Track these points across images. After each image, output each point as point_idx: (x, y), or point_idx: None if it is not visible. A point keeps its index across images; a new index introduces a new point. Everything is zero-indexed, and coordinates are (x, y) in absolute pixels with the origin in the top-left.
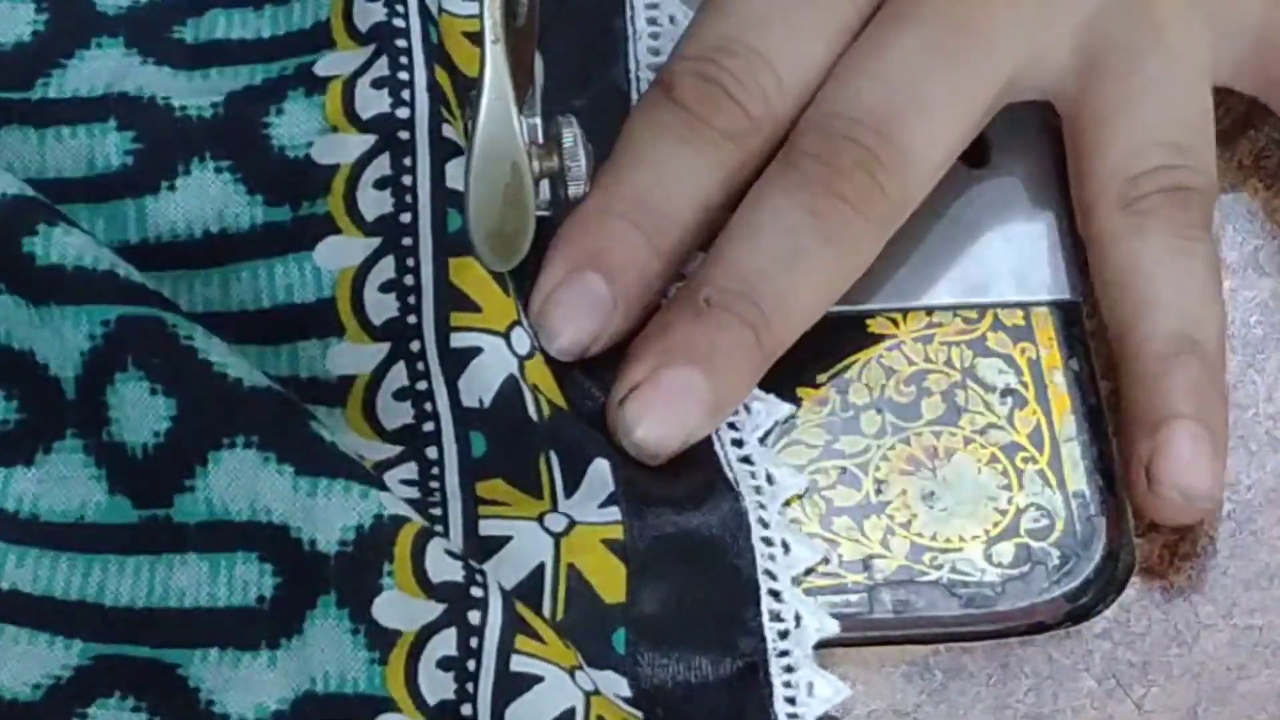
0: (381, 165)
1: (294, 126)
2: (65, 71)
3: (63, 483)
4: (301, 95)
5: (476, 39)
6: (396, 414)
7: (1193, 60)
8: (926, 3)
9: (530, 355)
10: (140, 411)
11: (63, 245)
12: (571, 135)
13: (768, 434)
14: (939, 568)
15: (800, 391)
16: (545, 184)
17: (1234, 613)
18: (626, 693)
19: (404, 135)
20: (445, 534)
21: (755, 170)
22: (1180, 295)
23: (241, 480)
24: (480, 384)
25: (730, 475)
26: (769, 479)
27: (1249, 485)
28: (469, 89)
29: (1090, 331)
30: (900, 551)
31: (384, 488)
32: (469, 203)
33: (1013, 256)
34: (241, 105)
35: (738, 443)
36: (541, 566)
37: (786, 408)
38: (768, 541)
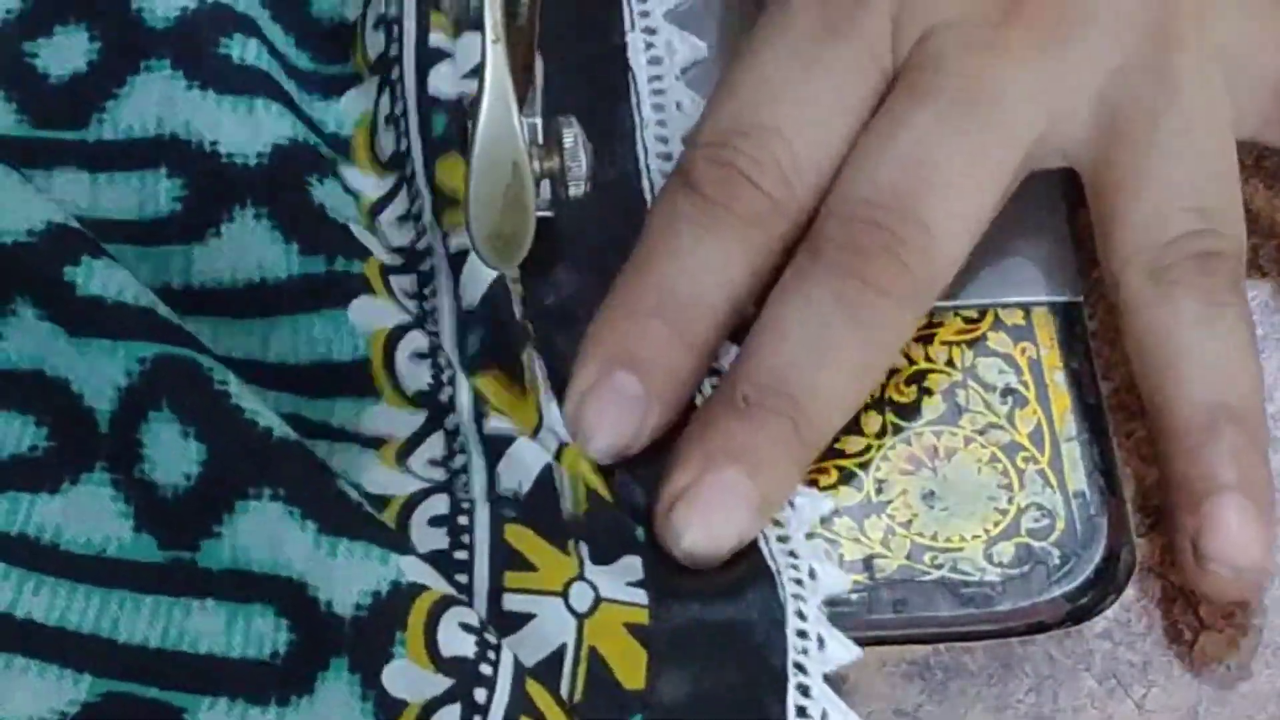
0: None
1: (338, 199)
2: (118, 103)
3: (87, 515)
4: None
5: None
6: (428, 509)
7: (1213, 118)
8: (940, 75)
9: (568, 442)
10: (173, 453)
11: (104, 277)
12: (572, 135)
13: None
14: (939, 567)
15: None
16: (545, 184)
17: (1234, 612)
18: None
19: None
20: (469, 592)
21: (780, 253)
22: (1213, 363)
23: (266, 532)
24: (520, 470)
25: (773, 565)
26: (811, 574)
27: None
28: None
29: (1090, 331)
30: (901, 551)
31: (407, 550)
32: (469, 203)
33: (1014, 256)
34: (288, 160)
35: (783, 539)
36: (563, 648)
37: (829, 502)
38: (803, 635)
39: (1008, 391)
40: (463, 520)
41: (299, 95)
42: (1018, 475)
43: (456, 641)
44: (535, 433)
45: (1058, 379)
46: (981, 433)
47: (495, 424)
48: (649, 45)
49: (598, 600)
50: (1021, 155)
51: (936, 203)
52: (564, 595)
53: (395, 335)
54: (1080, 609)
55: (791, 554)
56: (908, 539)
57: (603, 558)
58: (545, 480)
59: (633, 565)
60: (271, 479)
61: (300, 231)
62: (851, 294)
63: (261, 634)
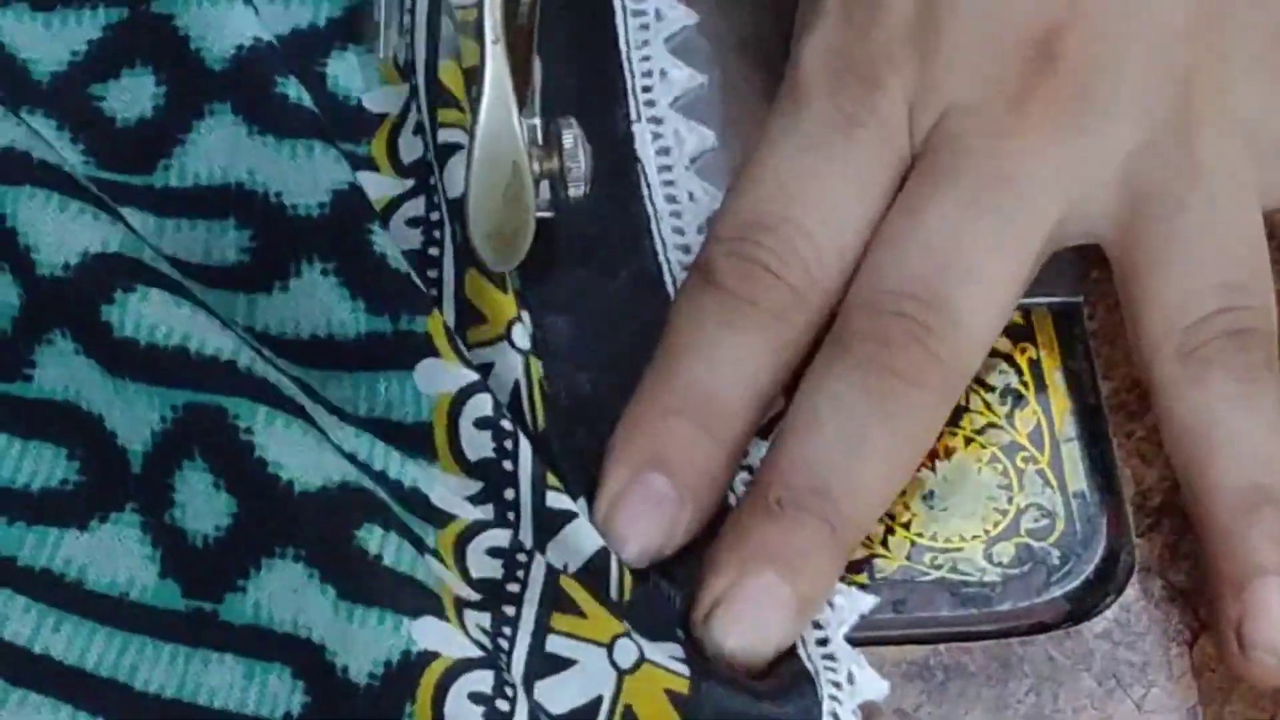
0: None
1: (393, 244)
2: (185, 150)
3: (113, 555)
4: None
5: None
6: (488, 539)
7: (1239, 191)
8: (959, 158)
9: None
10: (205, 503)
11: (138, 316)
12: (571, 136)
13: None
14: (939, 567)
15: None
16: (545, 184)
17: None
18: None
19: None
20: (514, 625)
21: (806, 344)
22: (1249, 443)
23: (289, 592)
24: (570, 550)
25: (810, 668)
26: (850, 678)
27: None
28: None
29: (1090, 332)
30: (901, 551)
31: (424, 612)
32: (469, 202)
33: None
34: (348, 207)
35: (822, 641)
36: (599, 699)
37: (869, 600)
38: None
39: (1007, 392)
40: (521, 557)
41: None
42: (1017, 475)
43: (464, 713)
44: (615, 639)
45: (1057, 379)
46: (981, 433)
47: (556, 500)
48: (656, 135)
49: (641, 660)
50: (1044, 237)
51: (962, 290)
52: (609, 648)
53: (459, 400)
54: (1080, 609)
55: (829, 657)
56: (907, 539)
57: (648, 636)
58: (596, 565)
59: (676, 649)
60: (294, 538)
61: (366, 287)
62: (881, 387)
63: (276, 694)
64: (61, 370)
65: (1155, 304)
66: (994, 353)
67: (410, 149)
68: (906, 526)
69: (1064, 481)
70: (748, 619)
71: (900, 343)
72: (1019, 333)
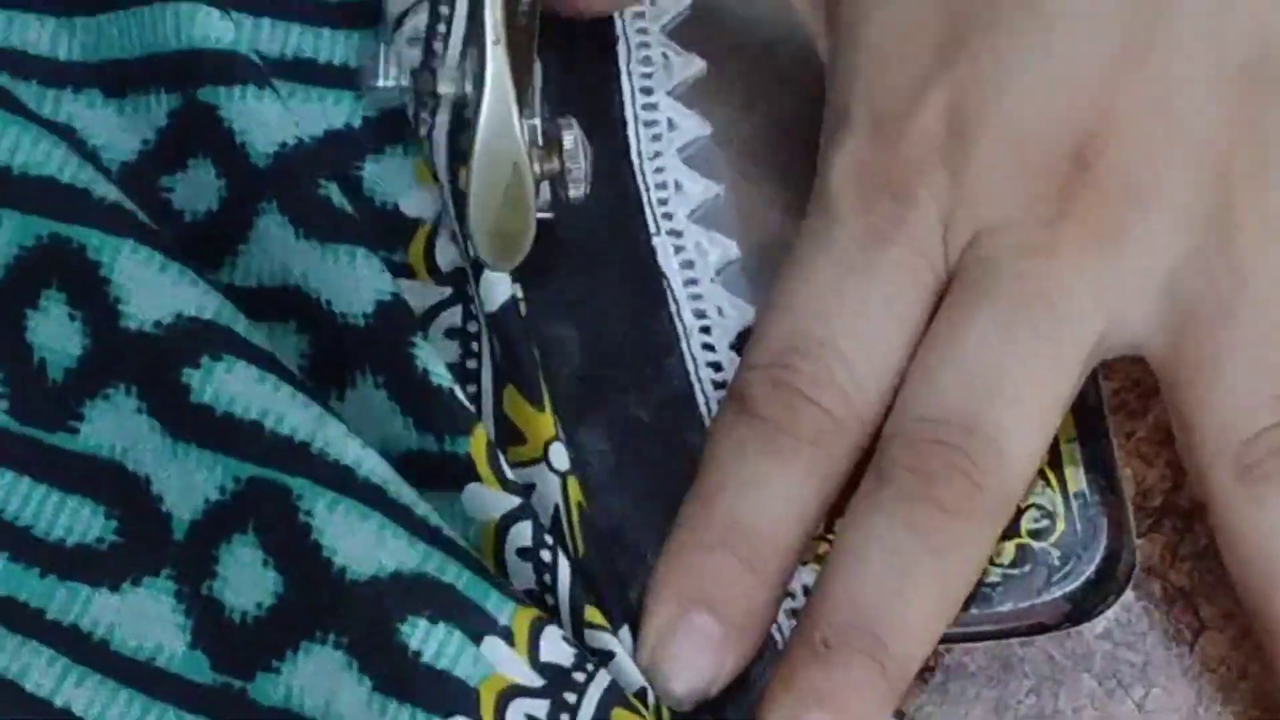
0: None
1: (435, 355)
2: (248, 248)
3: (144, 619)
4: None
5: None
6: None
7: None
8: (994, 280)
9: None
10: (250, 579)
11: (219, 384)
12: (572, 137)
13: None
14: None
15: None
16: (545, 185)
17: (1235, 613)
18: None
19: None
20: None
21: (847, 471)
22: None
23: (324, 679)
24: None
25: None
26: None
27: None
28: None
29: None
30: None
31: (456, 712)
32: (469, 202)
33: None
34: (390, 318)
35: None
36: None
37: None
38: None
39: None
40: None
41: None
42: None
43: None
44: (547, 446)
45: None
46: None
47: (595, 638)
48: (678, 249)
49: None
50: (1086, 356)
51: (1004, 416)
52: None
53: (503, 527)
54: (1080, 609)
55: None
56: None
57: None
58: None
59: None
60: (337, 626)
61: (413, 404)
62: (925, 520)
63: None
64: (114, 427)
65: (1208, 417)
66: None
67: (446, 255)
68: None
69: (1064, 482)
70: None
71: (943, 474)
72: None
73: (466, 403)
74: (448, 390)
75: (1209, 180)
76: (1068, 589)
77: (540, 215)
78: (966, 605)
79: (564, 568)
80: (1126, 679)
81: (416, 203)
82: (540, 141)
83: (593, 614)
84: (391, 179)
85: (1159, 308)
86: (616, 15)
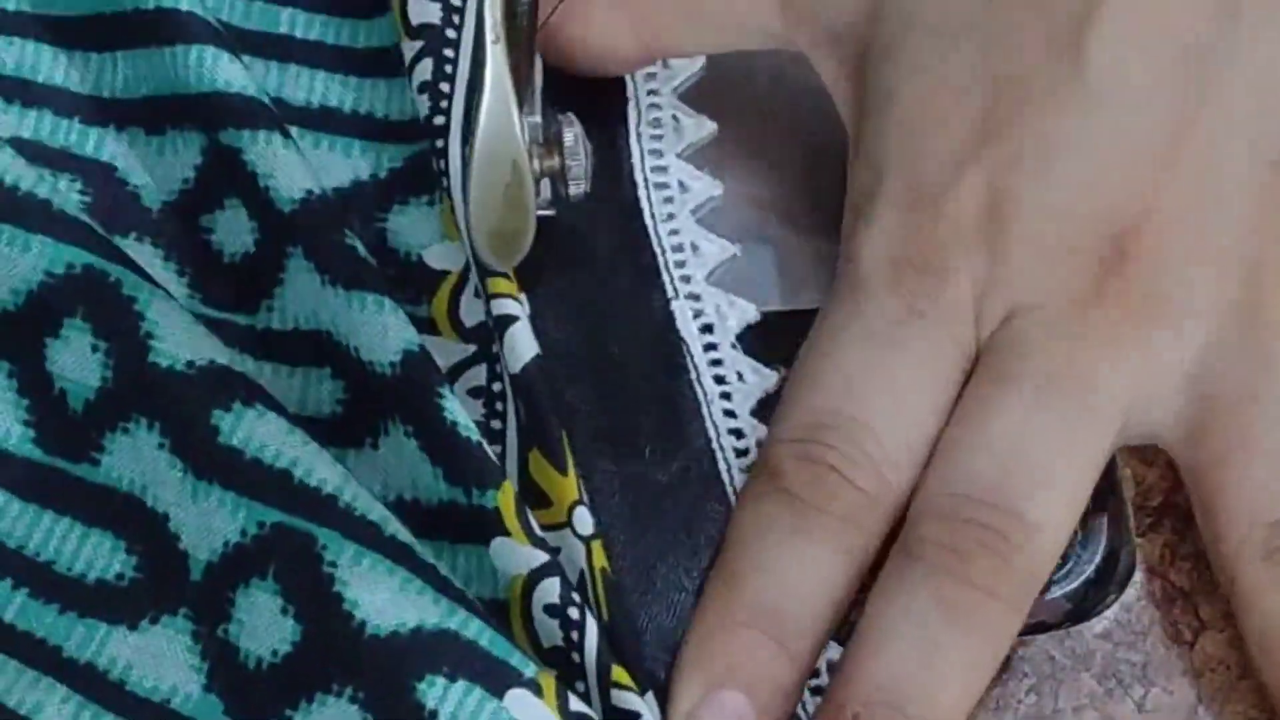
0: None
1: (461, 408)
2: (284, 290)
3: (159, 660)
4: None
5: None
6: None
7: None
8: (1025, 361)
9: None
10: (267, 624)
11: (249, 428)
12: (572, 135)
13: None
14: None
15: None
16: (546, 183)
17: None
18: None
19: None
20: None
21: (877, 548)
22: None
23: None
24: None
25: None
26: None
27: None
28: None
29: None
30: None
31: None
32: (469, 202)
33: None
34: (417, 369)
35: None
36: None
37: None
38: None
39: None
40: None
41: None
42: None
43: None
44: (571, 510)
45: None
46: None
47: (621, 699)
48: (697, 313)
49: None
50: (1112, 439)
51: (1034, 495)
52: None
53: (531, 583)
54: (1080, 609)
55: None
56: None
57: None
58: None
59: None
60: (353, 680)
61: (442, 455)
62: (955, 596)
63: None
64: (133, 461)
65: (1234, 502)
66: None
67: (471, 311)
68: None
69: None
70: None
71: (973, 552)
72: None
73: (493, 456)
74: (476, 443)
75: (1241, 274)
76: (1068, 588)
77: (541, 213)
78: None
79: (591, 626)
80: (1126, 679)
81: (441, 256)
82: (541, 139)
83: (620, 674)
84: (416, 231)
85: (1184, 397)
86: (628, 77)
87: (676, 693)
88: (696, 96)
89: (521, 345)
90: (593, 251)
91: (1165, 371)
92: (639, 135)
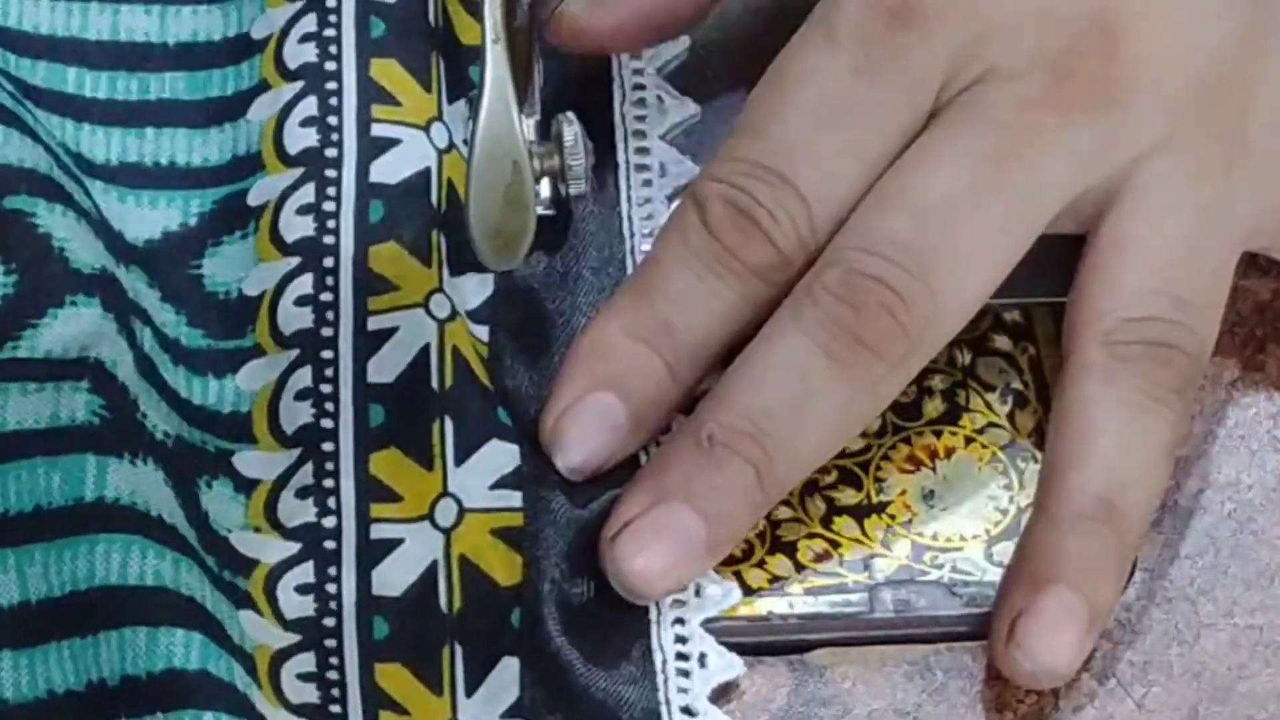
0: (304, 573)
1: (218, 508)
2: (38, 331)
3: None
4: (229, 485)
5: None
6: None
7: (1228, 220)
8: (984, 126)
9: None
10: None
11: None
12: (572, 134)
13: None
14: (940, 567)
15: None
16: (546, 182)
17: (1235, 612)
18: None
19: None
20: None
21: (780, 301)
22: (1121, 458)
23: None
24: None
25: (658, 651)
26: (702, 660)
27: (1249, 485)
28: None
29: None
30: (901, 551)
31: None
32: (469, 202)
33: None
34: (184, 453)
35: (679, 620)
36: (433, 565)
37: (736, 593)
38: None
39: (1008, 391)
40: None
41: (186, 382)
42: (1018, 475)
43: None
44: (433, 504)
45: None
46: (982, 432)
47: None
48: None
49: (462, 513)
50: (1044, 224)
51: (950, 268)
52: (430, 513)
53: (278, 659)
54: None
55: (681, 639)
56: (908, 539)
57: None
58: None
59: (510, 666)
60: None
61: (196, 525)
62: (841, 351)
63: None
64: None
65: (1101, 285)
66: (994, 352)
67: (289, 321)
68: (907, 526)
69: None
70: (652, 547)
71: (871, 310)
72: (1019, 332)
73: (244, 548)
74: (224, 537)
75: (1207, 84)
76: None
77: (541, 212)
78: (968, 605)
79: (354, 689)
80: (1126, 678)
81: (257, 280)
82: (541, 138)
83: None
84: (231, 268)
85: (1116, 185)
86: (613, 56)
87: (561, 386)
88: (681, 77)
89: (400, 355)
90: (569, 233)
91: (1114, 156)
92: (623, 116)
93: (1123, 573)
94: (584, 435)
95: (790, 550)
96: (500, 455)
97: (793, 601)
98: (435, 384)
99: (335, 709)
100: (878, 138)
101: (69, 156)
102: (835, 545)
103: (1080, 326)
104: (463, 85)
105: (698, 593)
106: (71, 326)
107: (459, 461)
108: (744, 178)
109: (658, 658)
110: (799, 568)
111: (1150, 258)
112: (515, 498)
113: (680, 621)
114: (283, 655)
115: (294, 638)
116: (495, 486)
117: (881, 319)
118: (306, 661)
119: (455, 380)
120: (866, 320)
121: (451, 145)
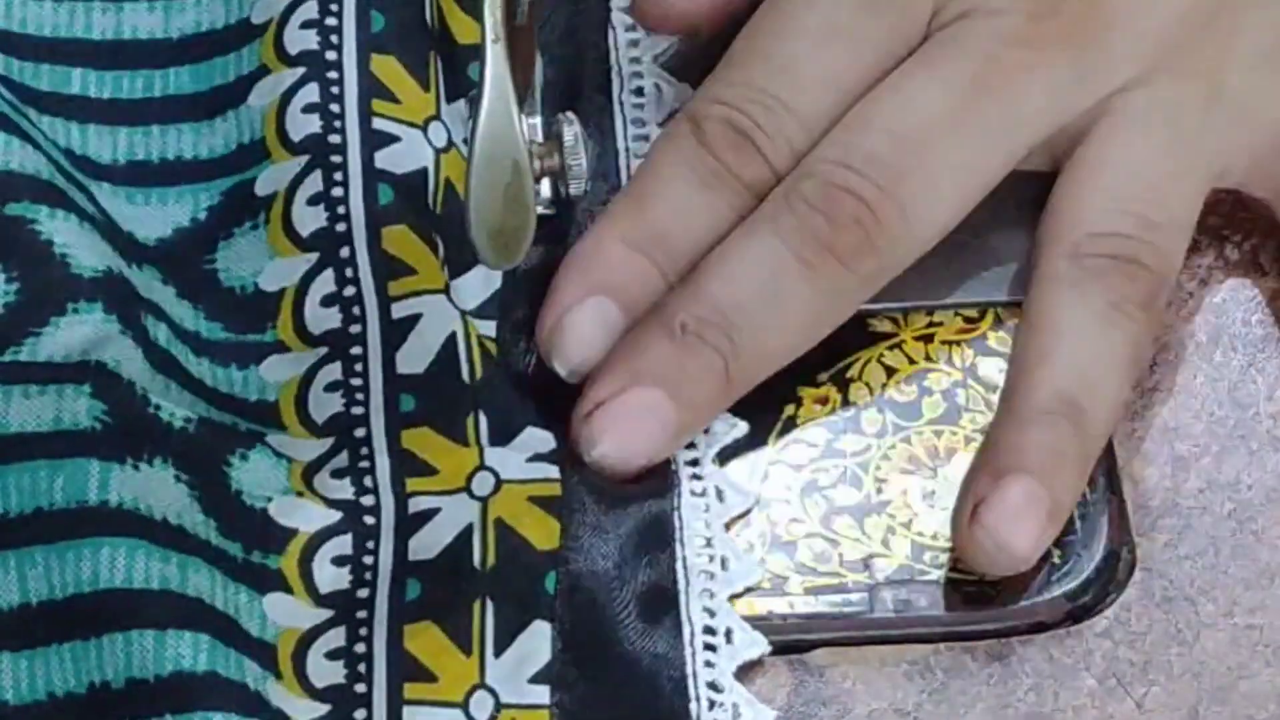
0: (342, 544)
1: (255, 477)
2: (39, 339)
3: None
4: (269, 452)
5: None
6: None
7: (1201, 153)
8: (966, 57)
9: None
10: None
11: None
12: (573, 134)
13: (724, 451)
14: (940, 567)
15: (801, 390)
16: (546, 182)
17: (1235, 612)
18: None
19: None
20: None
21: None
22: (1085, 361)
23: None
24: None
25: (675, 492)
26: (719, 494)
27: (1249, 485)
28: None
29: None
30: (901, 551)
31: None
32: (469, 202)
33: (1014, 256)
34: (208, 433)
35: (693, 461)
36: (469, 527)
37: (742, 426)
38: (707, 550)
39: None
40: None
41: (211, 373)
42: None
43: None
44: (470, 476)
45: None
46: (982, 432)
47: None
48: None
49: (499, 483)
50: (1017, 157)
51: (923, 188)
52: (467, 485)
53: (307, 639)
54: (1080, 608)
55: (697, 477)
56: (908, 538)
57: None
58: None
59: (541, 630)
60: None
61: (220, 514)
62: (814, 258)
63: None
64: None
65: (1073, 201)
66: (994, 352)
67: (317, 321)
68: (907, 525)
69: None
70: (625, 428)
71: (844, 222)
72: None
73: (282, 517)
74: (261, 510)
75: (1190, 30)
76: (1068, 588)
77: (541, 212)
78: (967, 604)
79: (380, 663)
80: (1127, 678)
81: (274, 276)
82: (541, 138)
83: (416, 689)
84: (245, 260)
85: (1089, 119)
86: (612, 46)
87: (558, 290)
88: (678, 66)
89: (427, 344)
90: (569, 223)
91: (1087, 98)
92: (621, 104)
93: (1084, 471)
94: (581, 338)
95: (790, 550)
96: (536, 439)
97: (793, 601)
98: (465, 375)
99: (360, 688)
100: (874, 66)
101: (73, 161)
102: (835, 545)
103: (1049, 241)
104: (460, 85)
105: (724, 566)
106: (73, 333)
107: (495, 444)
108: (742, 100)
109: (686, 630)
110: (799, 568)
111: (1119, 179)
112: (553, 470)
113: (709, 594)
114: (312, 634)
115: (325, 613)
116: (532, 460)
117: (853, 231)
118: (336, 637)
119: (485, 371)
120: (839, 231)
121: (450, 145)
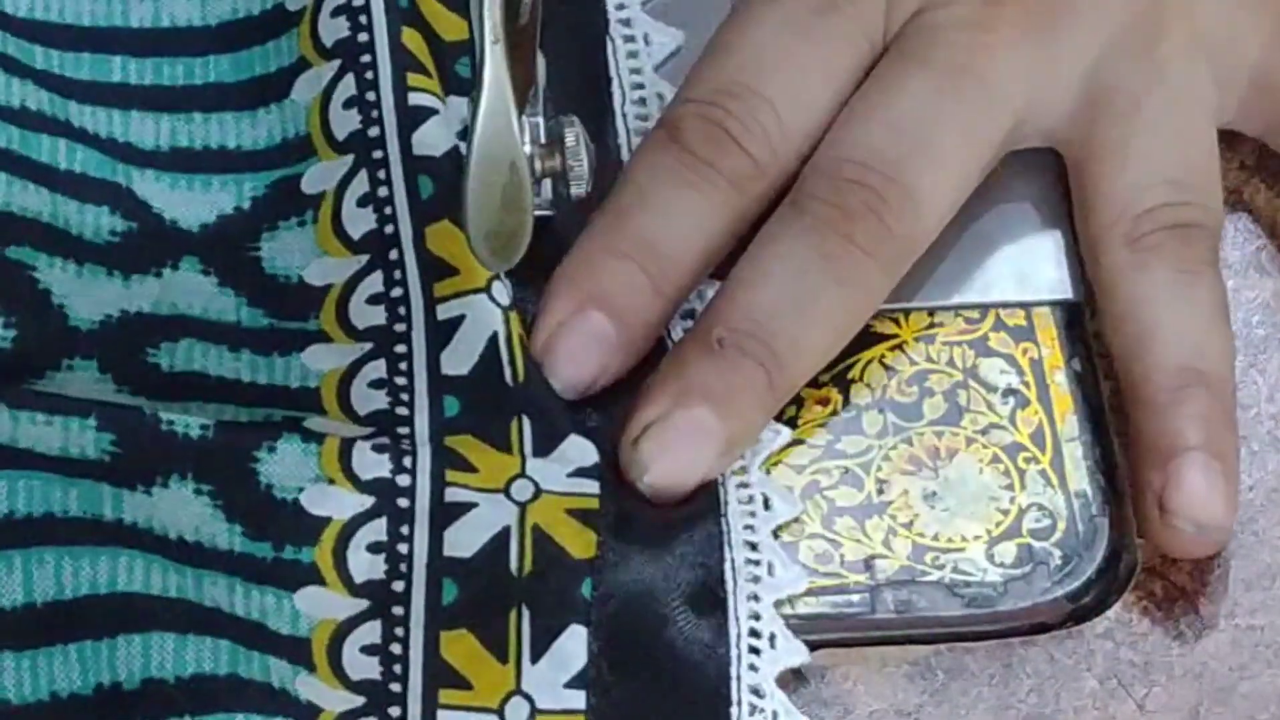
0: (377, 530)
1: (285, 469)
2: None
3: None
4: (298, 440)
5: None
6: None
7: (1196, 100)
8: (933, 47)
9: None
10: None
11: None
12: (574, 135)
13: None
14: (941, 568)
15: (802, 391)
16: (546, 183)
17: (1236, 613)
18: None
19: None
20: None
21: (758, 214)
22: (1185, 327)
23: None
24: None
25: (722, 497)
26: (766, 503)
27: (1250, 485)
28: None
29: (1092, 332)
30: (902, 552)
31: None
32: (467, 202)
33: (1015, 256)
34: (231, 434)
35: (740, 469)
36: (506, 529)
37: (787, 433)
38: (753, 555)
39: (1009, 392)
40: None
41: (250, 366)
42: (1019, 475)
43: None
44: (509, 482)
45: (1059, 379)
46: (983, 433)
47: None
48: None
49: (539, 491)
50: (1006, 130)
51: (924, 170)
52: (506, 489)
53: (342, 631)
54: (1082, 609)
55: (744, 485)
56: (909, 539)
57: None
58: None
59: (578, 634)
60: None
61: (246, 516)
62: (835, 250)
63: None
64: None
65: (1104, 194)
66: (995, 353)
67: (360, 316)
68: (908, 526)
69: (1066, 481)
70: (675, 449)
71: (858, 212)
72: (1020, 333)
73: (314, 506)
74: (293, 501)
75: None
76: (1069, 588)
77: (541, 213)
78: (968, 605)
79: (415, 658)
80: (1128, 678)
81: (321, 272)
82: (542, 139)
83: (451, 696)
84: (291, 253)
85: (1077, 96)
86: (610, 55)
87: (546, 307)
88: (676, 72)
89: (471, 345)
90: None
91: (1063, 69)
92: (624, 115)
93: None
94: (575, 355)
95: (791, 551)
96: (577, 450)
97: (794, 602)
98: (509, 378)
99: (395, 687)
100: (839, 60)
101: (114, 149)
102: (836, 546)
103: (1098, 236)
104: (448, 82)
105: (770, 571)
106: (69, 385)
107: (538, 454)
108: (713, 94)
109: (733, 631)
110: (800, 569)
111: (1138, 155)
112: (592, 485)
113: (755, 598)
114: (348, 626)
115: (361, 604)
116: (574, 475)
117: (868, 220)
118: (371, 632)
119: (528, 374)
120: (854, 221)
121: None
